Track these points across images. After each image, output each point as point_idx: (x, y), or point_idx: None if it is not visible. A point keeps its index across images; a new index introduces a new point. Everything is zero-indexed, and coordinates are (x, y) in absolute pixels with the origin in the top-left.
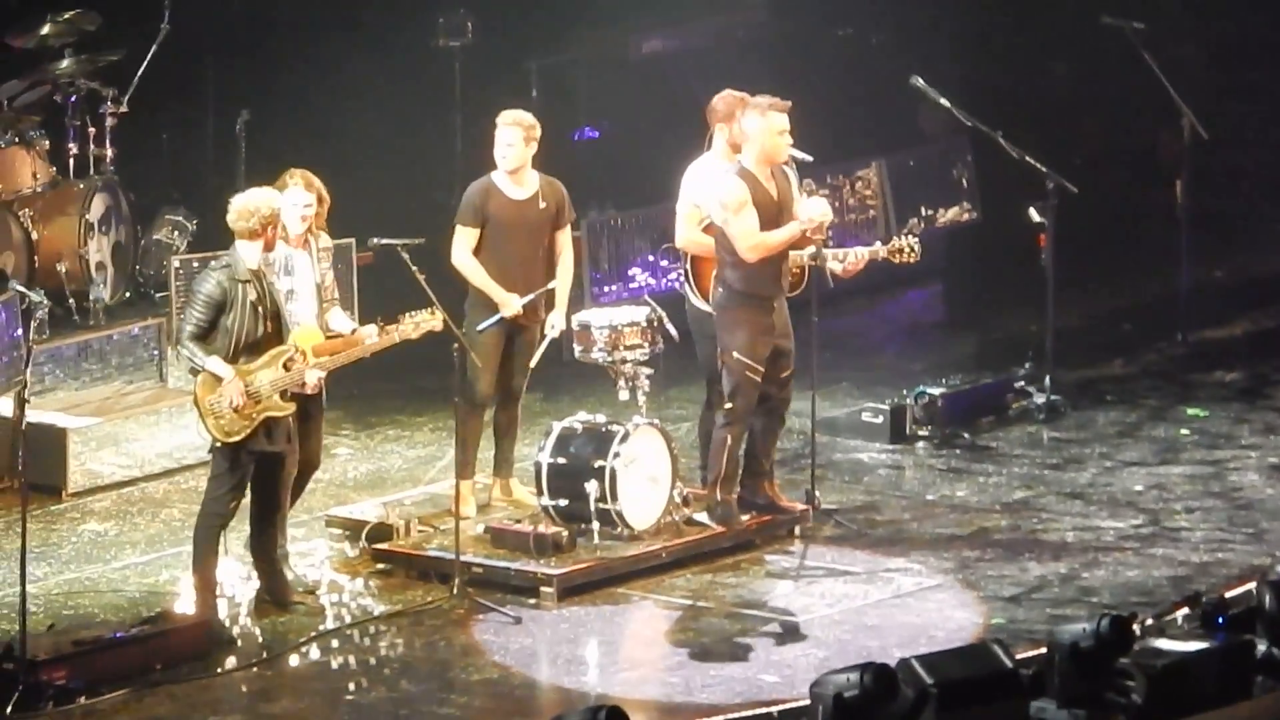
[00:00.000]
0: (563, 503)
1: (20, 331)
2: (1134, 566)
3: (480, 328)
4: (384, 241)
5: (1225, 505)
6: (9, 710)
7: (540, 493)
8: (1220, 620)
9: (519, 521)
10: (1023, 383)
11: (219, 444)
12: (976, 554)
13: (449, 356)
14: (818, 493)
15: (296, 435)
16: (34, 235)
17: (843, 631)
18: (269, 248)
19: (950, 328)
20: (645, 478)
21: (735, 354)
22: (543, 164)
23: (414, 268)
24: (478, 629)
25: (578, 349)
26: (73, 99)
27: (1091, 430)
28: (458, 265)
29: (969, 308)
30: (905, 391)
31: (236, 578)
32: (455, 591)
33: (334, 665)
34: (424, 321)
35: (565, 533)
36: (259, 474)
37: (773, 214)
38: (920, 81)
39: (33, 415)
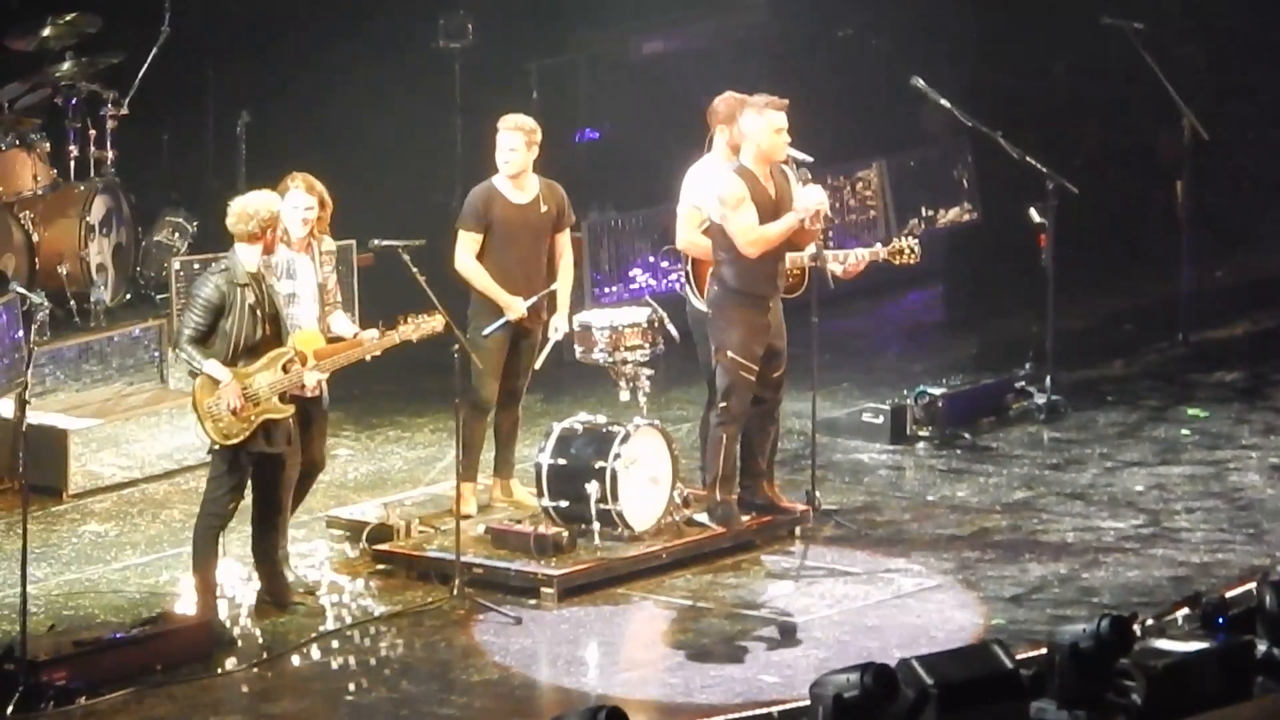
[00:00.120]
0: (563, 503)
1: (21, 333)
2: (1134, 567)
3: (485, 332)
4: (384, 243)
5: (1226, 506)
6: (10, 711)
7: (541, 493)
8: (1220, 621)
9: (519, 522)
10: (1023, 383)
11: (218, 446)
12: (977, 554)
13: (450, 358)
14: (818, 493)
15: (298, 437)
16: (35, 237)
17: (843, 632)
18: (268, 251)
19: (951, 328)
20: (646, 478)
21: (730, 353)
22: (543, 165)
23: (414, 269)
24: (478, 630)
25: (579, 350)
26: (73, 101)
27: (1092, 431)
28: (461, 270)
29: (969, 308)
30: (906, 392)
31: (237, 579)
32: (456, 592)
33: (334, 666)
34: (425, 323)
35: (566, 533)
36: (259, 475)
37: (770, 212)
38: (920, 82)
39: (33, 417)
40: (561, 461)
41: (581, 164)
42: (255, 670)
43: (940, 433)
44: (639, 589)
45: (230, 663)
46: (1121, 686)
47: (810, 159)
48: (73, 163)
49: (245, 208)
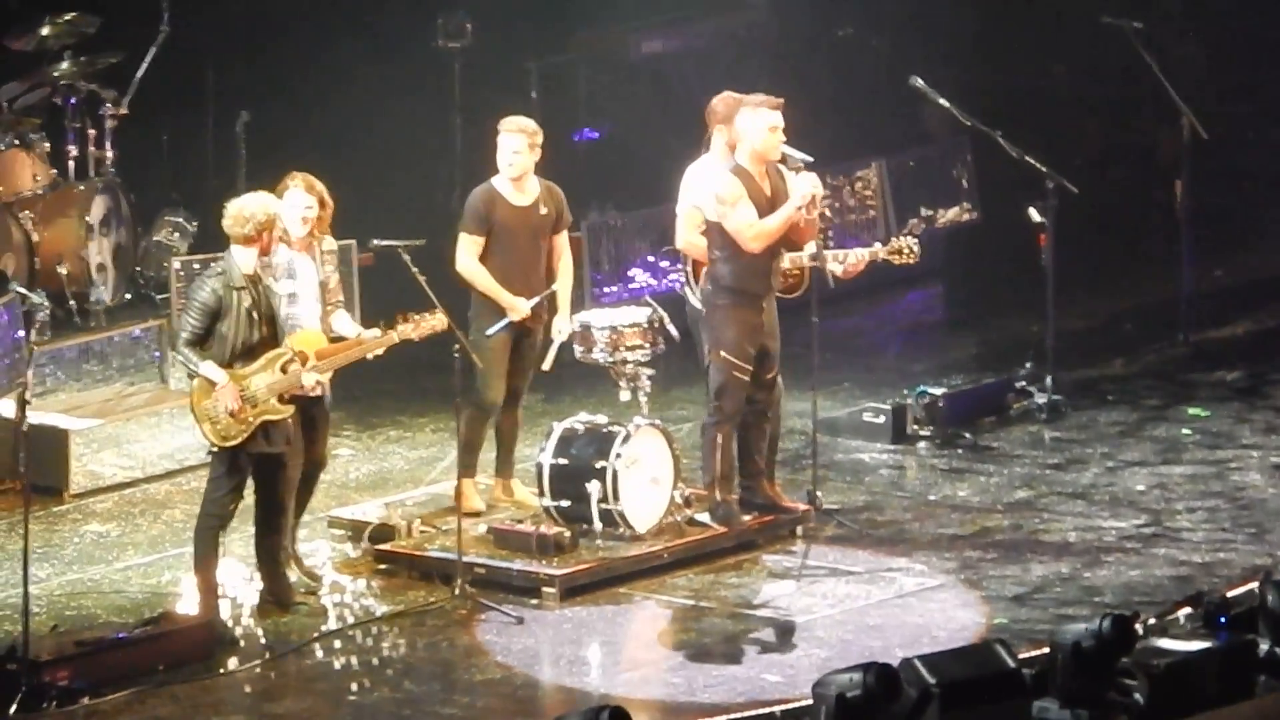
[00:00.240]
0: (564, 503)
1: (21, 333)
2: (1136, 566)
3: (489, 333)
4: (384, 243)
5: (1227, 505)
6: (12, 711)
7: (542, 493)
8: (1222, 620)
9: (521, 522)
10: (1024, 383)
11: (216, 448)
12: (978, 554)
13: (450, 357)
14: (819, 493)
15: (298, 437)
16: (35, 237)
17: (845, 631)
18: (264, 253)
19: (951, 328)
20: (647, 478)
21: (723, 352)
22: (543, 165)
23: (414, 269)
24: (480, 629)
25: (579, 350)
26: (72, 101)
27: (1093, 430)
28: (463, 272)
29: (969, 308)
30: (906, 392)
31: (239, 579)
32: (458, 592)
33: (337, 666)
34: (425, 321)
35: (567, 533)
36: (260, 476)
37: (767, 211)
38: (920, 82)
39: (34, 417)
40: (563, 461)
41: (581, 164)
42: (257, 670)
43: (941, 432)
44: (641, 589)
45: (232, 663)
46: (1123, 686)
47: (810, 158)
48: (72, 162)
49: (241, 210)
